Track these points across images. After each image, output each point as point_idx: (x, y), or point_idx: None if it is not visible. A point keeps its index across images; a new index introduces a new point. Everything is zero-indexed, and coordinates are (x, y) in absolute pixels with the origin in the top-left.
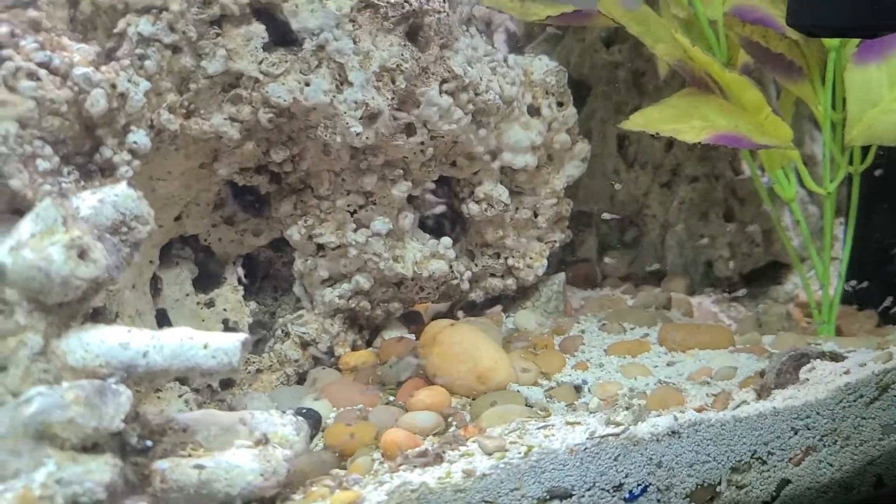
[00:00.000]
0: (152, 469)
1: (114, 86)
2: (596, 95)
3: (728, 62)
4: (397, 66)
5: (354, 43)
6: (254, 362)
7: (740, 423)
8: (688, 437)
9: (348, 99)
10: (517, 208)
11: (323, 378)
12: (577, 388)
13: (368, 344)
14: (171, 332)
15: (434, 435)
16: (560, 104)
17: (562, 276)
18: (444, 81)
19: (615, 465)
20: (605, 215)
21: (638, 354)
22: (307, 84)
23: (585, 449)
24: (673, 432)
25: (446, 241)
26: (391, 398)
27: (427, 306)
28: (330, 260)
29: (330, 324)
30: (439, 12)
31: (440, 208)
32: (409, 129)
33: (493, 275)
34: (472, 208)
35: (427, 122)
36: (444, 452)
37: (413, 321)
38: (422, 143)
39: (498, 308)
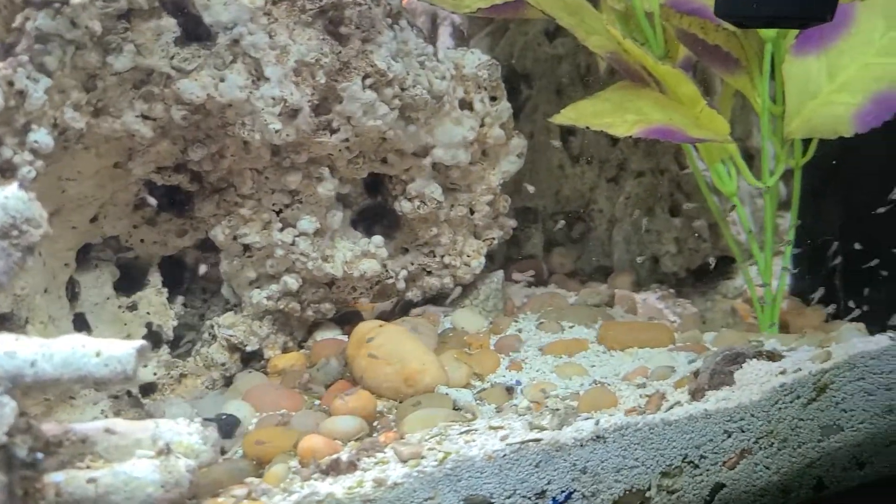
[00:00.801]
0: (45, 482)
1: (11, 83)
2: (539, 90)
3: (666, 55)
4: (316, 60)
5: (270, 37)
6: (177, 366)
7: (669, 426)
8: (614, 441)
9: (265, 95)
10: (452, 205)
11: (248, 382)
12: (510, 390)
13: (301, 346)
14: (62, 341)
15: (357, 440)
16: (493, 98)
17: (500, 273)
18: (366, 76)
19: (537, 472)
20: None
21: (575, 353)
22: (222, 80)
23: (504, 455)
24: (598, 437)
25: (377, 239)
26: (317, 402)
27: (372, 307)
28: (256, 261)
29: (258, 326)
30: (360, 5)
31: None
32: (332, 126)
33: (429, 273)
34: (404, 206)
35: (351, 118)
36: (358, 460)
37: (352, 322)
38: (346, 140)
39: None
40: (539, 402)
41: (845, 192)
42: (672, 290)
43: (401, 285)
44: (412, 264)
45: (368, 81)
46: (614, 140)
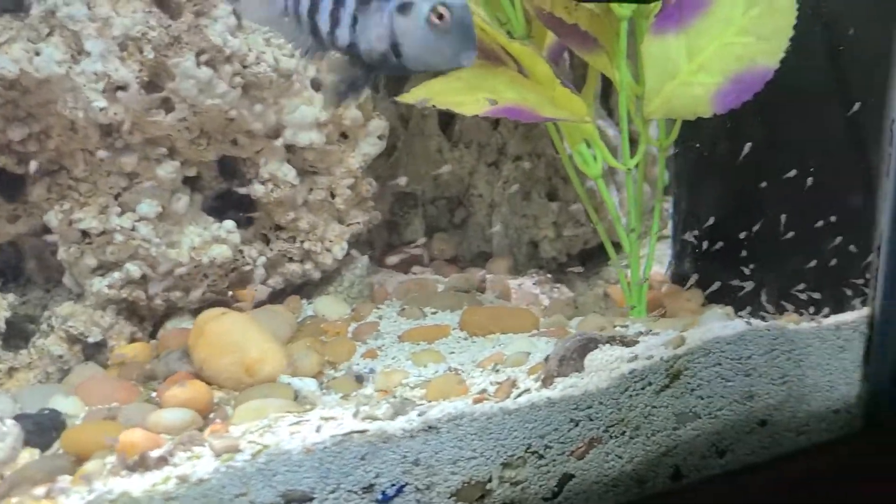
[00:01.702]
0: None
1: None
2: (416, 74)
3: (528, 34)
4: (143, 34)
5: (89, 9)
6: (5, 360)
7: (510, 415)
8: (448, 431)
9: (87, 70)
10: (311, 189)
11: (83, 375)
12: (360, 378)
13: (152, 336)
14: None
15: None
16: None
17: (365, 259)
18: (201, 52)
19: (363, 465)
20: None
21: (435, 340)
22: (37, 53)
23: (325, 448)
24: (430, 427)
25: (228, 224)
26: (153, 394)
27: (252, 294)
28: (96, 247)
29: (101, 316)
30: None
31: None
32: (167, 104)
33: (290, 259)
34: (257, 189)
35: (186, 97)
36: (171, 455)
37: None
38: (184, 120)
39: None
40: (387, 390)
41: (722, 174)
42: (549, 275)
43: (259, 272)
44: (272, 250)
45: (203, 57)
46: (495, 124)
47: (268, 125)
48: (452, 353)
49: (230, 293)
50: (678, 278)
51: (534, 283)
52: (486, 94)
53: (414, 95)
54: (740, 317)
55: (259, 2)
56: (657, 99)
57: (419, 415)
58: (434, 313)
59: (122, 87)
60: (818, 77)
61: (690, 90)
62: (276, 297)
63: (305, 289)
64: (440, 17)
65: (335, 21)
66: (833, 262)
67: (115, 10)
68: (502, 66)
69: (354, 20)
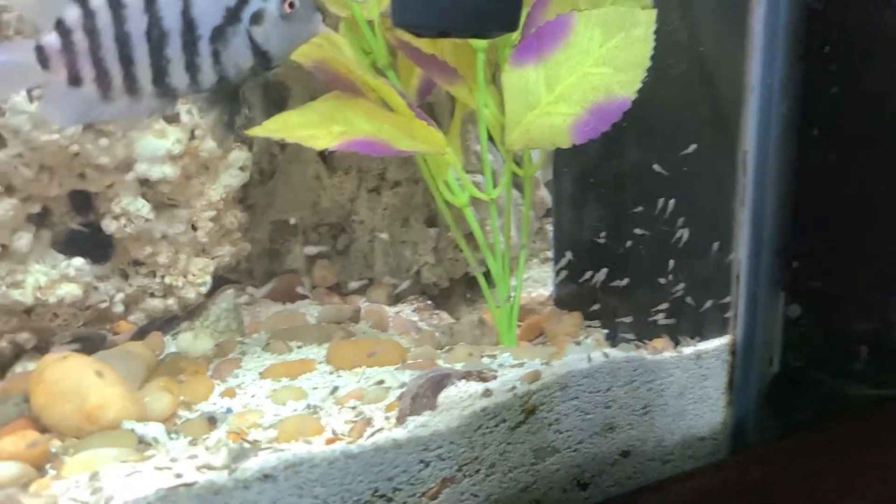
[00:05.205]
0: None
1: None
2: (295, 98)
3: (392, 65)
4: None
5: None
6: None
7: (353, 459)
8: (286, 479)
9: None
10: (170, 223)
11: None
12: (213, 420)
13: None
14: None
15: (23, 486)
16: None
17: (230, 292)
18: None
19: None
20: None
21: (299, 376)
22: None
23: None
24: (266, 476)
25: (77, 261)
26: None
27: (129, 326)
28: None
29: None
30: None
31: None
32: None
33: (152, 295)
34: (110, 225)
35: (19, 132)
36: None
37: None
38: (20, 156)
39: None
40: (240, 432)
41: (601, 196)
42: (430, 302)
43: (118, 309)
44: (130, 286)
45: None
46: None
47: (116, 159)
48: (316, 388)
49: (109, 326)
50: (560, 301)
51: (413, 311)
52: (339, 127)
53: (265, 129)
54: (608, 344)
55: (66, 107)
56: (517, 129)
57: (230, 470)
58: (300, 347)
59: None
60: (684, 105)
61: (549, 120)
62: (145, 332)
63: (173, 324)
64: (291, 5)
65: (194, 70)
66: (695, 289)
67: None
68: (360, 97)
69: (216, 57)
